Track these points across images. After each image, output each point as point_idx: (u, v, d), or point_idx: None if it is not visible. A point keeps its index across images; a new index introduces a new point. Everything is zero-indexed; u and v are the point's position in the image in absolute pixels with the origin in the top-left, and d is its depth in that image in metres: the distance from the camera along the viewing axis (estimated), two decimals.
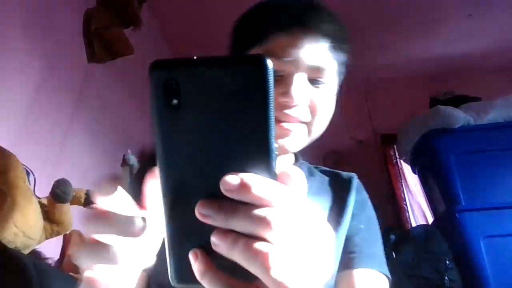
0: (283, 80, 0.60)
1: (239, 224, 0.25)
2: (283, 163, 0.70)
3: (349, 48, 0.70)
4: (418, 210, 2.78)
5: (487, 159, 2.06)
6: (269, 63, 0.25)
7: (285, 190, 0.26)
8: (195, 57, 0.27)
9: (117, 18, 1.94)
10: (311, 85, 0.63)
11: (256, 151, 0.26)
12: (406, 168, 2.85)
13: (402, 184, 2.87)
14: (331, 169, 0.76)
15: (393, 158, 3.00)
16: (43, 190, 1.14)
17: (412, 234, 1.95)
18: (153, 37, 2.59)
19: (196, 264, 0.27)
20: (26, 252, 1.01)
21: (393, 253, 1.89)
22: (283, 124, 0.61)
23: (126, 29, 2.00)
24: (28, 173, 1.10)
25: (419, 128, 2.30)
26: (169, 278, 0.29)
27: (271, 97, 0.25)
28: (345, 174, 0.74)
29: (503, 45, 2.86)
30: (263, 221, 0.24)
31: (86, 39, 1.77)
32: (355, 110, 3.26)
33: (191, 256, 0.27)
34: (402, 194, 2.82)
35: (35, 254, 1.06)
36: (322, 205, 0.66)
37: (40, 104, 1.45)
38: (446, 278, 1.76)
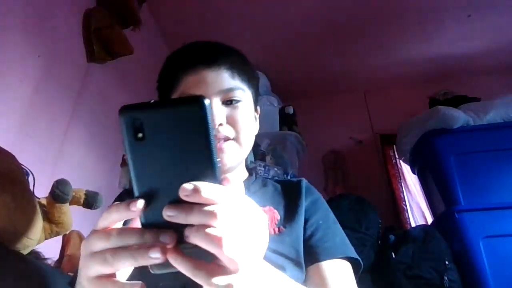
0: None
1: (195, 219, 0.35)
2: (238, 178, 0.80)
3: (250, 71, 0.82)
4: (418, 210, 2.78)
5: (487, 159, 2.06)
6: (205, 100, 0.36)
7: (225, 191, 0.37)
8: (152, 101, 0.37)
9: (117, 18, 1.94)
10: (226, 105, 0.75)
11: (204, 165, 0.37)
12: (406, 168, 2.85)
13: (401, 184, 2.87)
14: (283, 179, 0.86)
15: (393, 158, 3.00)
16: (43, 190, 1.13)
17: (411, 234, 1.95)
18: (153, 37, 2.59)
19: (170, 253, 0.36)
20: (25, 252, 1.01)
21: (392, 253, 1.89)
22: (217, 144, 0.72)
23: (125, 29, 2.00)
24: (27, 173, 1.10)
25: (418, 128, 2.30)
26: (149, 268, 0.38)
27: (209, 126, 0.36)
28: (294, 179, 0.85)
29: (503, 46, 2.86)
30: (212, 214, 0.35)
31: (85, 39, 1.77)
32: (355, 110, 3.27)
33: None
34: (402, 194, 2.82)
35: (35, 254, 1.06)
36: (277, 207, 0.75)
37: (40, 104, 1.45)
38: (446, 278, 1.76)
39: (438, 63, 3.03)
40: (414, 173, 2.62)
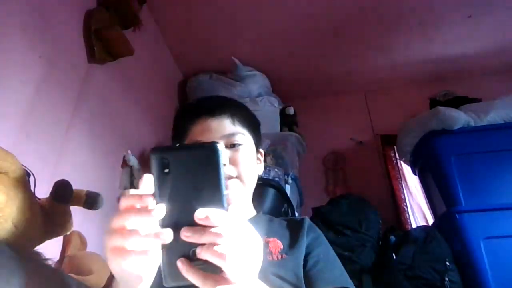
0: None
1: (206, 239, 0.44)
2: (244, 215, 0.90)
3: (250, 117, 0.94)
4: (418, 211, 2.77)
5: (487, 160, 2.06)
6: (219, 145, 0.47)
7: (229, 216, 0.45)
8: (178, 145, 0.49)
9: (117, 19, 1.94)
10: (229, 149, 0.85)
11: (214, 195, 0.46)
12: (406, 169, 2.85)
13: (402, 185, 2.87)
14: (288, 217, 1.01)
15: (393, 159, 2.99)
16: (43, 191, 1.13)
17: (412, 235, 1.95)
18: (153, 38, 2.59)
19: (183, 267, 0.44)
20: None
21: (393, 254, 1.88)
22: None
23: (126, 30, 2.01)
24: (28, 174, 1.10)
25: (419, 129, 2.30)
26: (163, 281, 0.46)
27: (220, 165, 0.46)
28: (298, 218, 0.94)
29: (503, 46, 2.86)
30: (218, 235, 0.44)
31: (86, 39, 1.77)
32: (355, 111, 3.27)
33: (179, 263, 0.44)
34: (402, 195, 2.81)
35: (36, 255, 1.06)
36: (281, 239, 0.83)
37: (40, 105, 1.45)
38: (446, 279, 1.76)
39: (438, 64, 3.03)
40: (414, 173, 2.62)
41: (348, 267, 1.96)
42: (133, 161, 2.03)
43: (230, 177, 0.83)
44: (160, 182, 0.46)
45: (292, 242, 0.83)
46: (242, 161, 0.85)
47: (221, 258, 0.43)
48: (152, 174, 0.46)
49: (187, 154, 0.47)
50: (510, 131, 2.14)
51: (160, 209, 0.44)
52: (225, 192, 0.46)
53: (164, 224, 0.45)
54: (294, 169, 2.45)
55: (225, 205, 0.46)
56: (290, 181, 2.17)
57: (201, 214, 0.44)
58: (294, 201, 2.18)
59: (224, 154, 0.79)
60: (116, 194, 1.97)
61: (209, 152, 0.46)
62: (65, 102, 1.62)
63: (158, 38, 2.67)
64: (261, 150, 0.97)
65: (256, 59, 2.88)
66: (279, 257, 0.78)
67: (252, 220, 0.85)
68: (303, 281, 0.76)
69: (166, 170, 0.46)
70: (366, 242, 1.96)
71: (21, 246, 0.98)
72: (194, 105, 0.94)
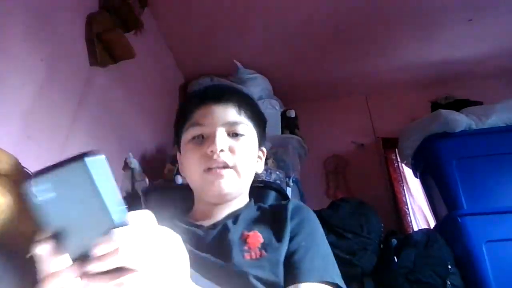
0: (207, 138, 0.83)
1: (107, 265, 0.40)
2: (235, 206, 0.88)
3: (257, 112, 0.92)
4: (420, 214, 2.76)
5: (489, 163, 2.06)
6: (87, 159, 0.40)
7: (122, 233, 0.40)
8: (45, 167, 0.41)
9: (119, 22, 1.95)
10: (230, 137, 0.84)
11: (101, 214, 0.40)
12: (408, 172, 2.84)
13: (403, 188, 2.86)
14: (276, 203, 0.95)
15: (395, 162, 2.99)
16: None
17: (413, 239, 1.94)
18: (155, 41, 2.60)
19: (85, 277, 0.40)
20: (28, 255, 1.01)
21: (395, 258, 1.88)
22: (215, 170, 0.80)
23: (127, 33, 2.01)
24: (29, 176, 1.10)
25: (420, 132, 2.30)
26: None
27: (94, 180, 0.40)
28: (284, 202, 0.88)
29: (504, 49, 2.86)
30: (118, 259, 0.40)
31: (88, 42, 1.78)
32: (357, 114, 3.27)
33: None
34: (404, 198, 2.81)
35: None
36: (262, 231, 0.78)
37: (42, 107, 1.46)
38: (448, 282, 1.75)
39: (439, 67, 3.03)
40: (416, 176, 2.61)
41: (349, 270, 1.97)
42: (135, 163, 2.03)
43: (226, 166, 0.81)
44: (44, 209, 0.40)
45: (275, 233, 0.77)
46: (241, 151, 0.83)
47: (114, 261, 0.40)
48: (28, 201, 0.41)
49: (57, 176, 0.40)
50: (511, 134, 2.13)
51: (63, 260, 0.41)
52: (114, 204, 0.41)
53: (71, 257, 0.41)
54: (295, 172, 2.45)
55: (116, 218, 0.41)
56: (291, 184, 2.16)
57: (97, 251, 0.40)
58: None
59: (222, 138, 0.81)
60: None
61: (77, 165, 0.40)
62: (66, 104, 1.63)
63: (160, 41, 2.68)
64: (263, 149, 0.95)
65: (258, 62, 2.88)
66: (258, 254, 0.73)
67: (240, 212, 0.85)
68: (283, 279, 0.71)
69: (41, 199, 0.40)
70: (367, 245, 1.95)
71: (21, 248, 0.98)
72: (202, 90, 0.92)
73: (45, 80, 1.48)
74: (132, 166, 2.02)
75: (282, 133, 2.75)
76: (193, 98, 0.90)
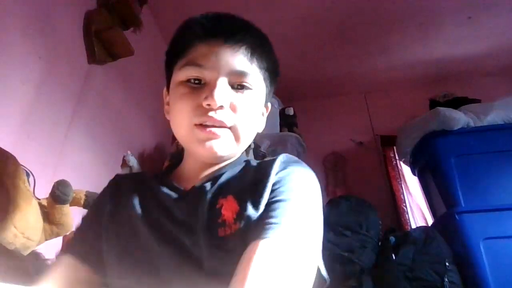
0: (205, 85, 0.66)
1: None
2: (223, 164, 0.73)
3: (272, 60, 0.75)
4: (418, 212, 2.77)
5: (487, 161, 2.06)
6: None
7: None
8: None
9: (118, 20, 1.95)
10: (234, 90, 0.66)
11: None
12: (406, 170, 2.85)
13: (401, 186, 2.87)
14: (269, 158, 0.73)
15: (393, 159, 3.00)
16: (43, 191, 1.14)
17: (411, 236, 1.95)
18: (153, 39, 2.60)
19: None
20: (25, 253, 1.01)
21: (393, 255, 1.88)
22: (210, 128, 0.64)
23: (126, 31, 2.01)
24: (28, 174, 1.10)
25: (419, 130, 2.30)
26: None
27: None
28: (268, 159, 0.72)
29: (503, 47, 2.87)
30: None
31: (86, 40, 1.77)
32: (355, 112, 3.27)
33: None
34: (402, 195, 2.82)
35: (35, 255, 1.06)
36: (241, 195, 0.62)
37: (40, 105, 1.46)
38: (446, 280, 1.76)
39: (438, 65, 3.03)
40: (414, 174, 2.62)
41: (348, 268, 1.97)
42: (133, 161, 2.04)
43: (223, 126, 0.65)
44: None
45: (253, 196, 0.61)
46: (244, 109, 0.66)
47: None
48: None
49: None
50: (509, 132, 2.14)
51: None
52: None
53: None
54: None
55: None
56: None
57: None
58: None
59: (223, 92, 0.64)
60: None
61: None
62: (65, 102, 1.63)
63: (159, 39, 2.68)
64: (269, 104, 0.80)
65: None
66: (231, 229, 0.58)
67: (219, 172, 0.70)
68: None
69: None
70: (366, 243, 1.96)
71: (20, 247, 0.98)
72: (210, 18, 0.72)
73: (43, 78, 1.48)
74: (131, 164, 2.02)
75: (281, 130, 2.75)
76: (196, 27, 0.70)
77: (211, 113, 0.63)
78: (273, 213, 0.57)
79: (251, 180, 0.66)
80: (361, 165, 3.01)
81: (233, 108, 0.66)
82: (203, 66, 0.66)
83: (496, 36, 2.75)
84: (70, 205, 1.15)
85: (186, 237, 0.60)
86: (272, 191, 0.62)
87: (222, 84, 0.64)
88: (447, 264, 1.80)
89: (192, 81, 0.67)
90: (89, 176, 1.73)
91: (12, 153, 1.03)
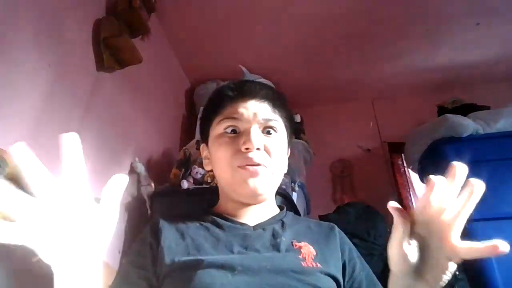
0: (241, 134, 0.82)
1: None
2: (271, 212, 0.89)
3: (289, 112, 0.91)
4: None
5: (497, 168, 2.03)
6: None
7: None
8: None
9: (126, 27, 1.96)
10: (264, 134, 0.83)
11: None
12: (414, 177, 2.82)
13: (410, 193, 2.84)
14: (323, 222, 0.92)
15: (401, 166, 2.97)
16: None
17: None
18: (161, 46, 2.62)
19: None
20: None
21: None
22: (249, 167, 0.79)
23: (134, 38, 2.03)
24: None
25: (427, 136, 2.29)
26: None
27: None
28: (326, 223, 0.91)
29: (511, 53, 2.84)
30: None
31: (95, 48, 1.79)
32: (363, 119, 3.26)
33: None
34: (410, 203, 2.79)
35: (38, 257, 1.07)
36: (312, 244, 0.80)
37: (49, 112, 1.47)
38: None
39: (446, 71, 3.02)
40: (422, 181, 2.59)
41: None
42: (140, 168, 2.04)
43: (261, 164, 0.80)
44: None
45: (325, 251, 0.80)
46: (275, 150, 0.82)
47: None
48: None
49: None
50: None
51: None
52: None
53: None
54: (301, 176, 2.44)
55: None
56: (297, 188, 2.16)
57: None
58: (301, 209, 2.17)
59: (258, 137, 0.80)
60: (123, 201, 1.98)
61: None
62: (73, 109, 1.64)
63: (166, 46, 2.70)
64: (289, 150, 0.95)
65: (263, 67, 2.89)
66: (314, 265, 0.75)
67: (279, 218, 0.86)
68: None
69: None
70: (374, 251, 1.94)
71: (20, 249, 0.98)
72: (238, 84, 0.89)
73: (52, 85, 1.49)
74: (138, 170, 2.03)
75: None
76: (227, 91, 0.87)
77: (250, 155, 0.78)
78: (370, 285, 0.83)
79: (317, 238, 0.84)
80: (369, 172, 2.99)
81: (267, 150, 0.81)
82: (237, 119, 0.82)
83: (505, 42, 2.73)
84: None
85: (283, 263, 0.75)
86: (346, 257, 0.84)
87: (256, 130, 0.81)
88: (457, 273, 1.78)
89: (229, 131, 0.83)
90: (96, 182, 1.73)
91: None
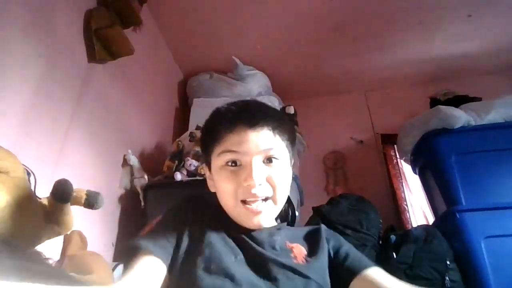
0: (242, 167, 0.80)
1: None
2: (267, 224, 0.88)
3: (288, 129, 0.88)
4: (419, 210, 2.77)
5: (488, 159, 2.06)
6: None
7: None
8: None
9: (117, 18, 1.94)
10: (266, 164, 0.81)
11: None
12: (407, 168, 2.85)
13: (402, 184, 2.87)
14: (311, 227, 0.95)
15: (394, 158, 2.99)
16: (44, 191, 1.13)
17: (412, 234, 1.95)
18: (153, 37, 2.59)
19: None
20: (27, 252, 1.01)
21: (394, 254, 1.88)
22: (253, 205, 0.79)
23: (126, 29, 2.01)
24: (28, 174, 1.10)
25: (419, 128, 2.30)
26: None
27: None
28: (313, 226, 0.94)
29: (503, 45, 2.86)
30: None
31: (86, 39, 1.77)
32: (356, 110, 3.27)
33: None
34: (403, 194, 2.81)
35: (36, 254, 1.06)
36: (303, 245, 0.85)
37: (41, 104, 1.46)
38: (447, 278, 1.76)
39: (438, 63, 3.03)
40: (415, 173, 2.62)
41: None
42: (133, 160, 2.03)
43: (266, 198, 0.80)
44: None
45: (314, 249, 0.85)
46: (278, 179, 0.81)
47: None
48: None
49: None
50: (510, 130, 2.14)
51: None
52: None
53: None
54: (294, 168, 2.45)
55: None
56: None
57: None
58: (295, 201, 2.17)
59: (260, 171, 0.79)
60: (116, 193, 1.97)
61: None
62: (65, 101, 1.62)
63: (159, 38, 2.67)
64: (292, 160, 0.93)
65: (257, 58, 2.88)
66: (304, 261, 0.80)
67: (274, 229, 0.87)
68: (329, 284, 0.79)
69: None
70: (366, 241, 1.96)
71: (21, 246, 0.98)
72: (234, 111, 0.85)
73: (43, 76, 1.48)
74: (131, 163, 2.02)
75: None
76: (224, 120, 0.84)
77: (253, 190, 0.78)
78: (356, 256, 0.85)
79: (306, 239, 0.89)
80: (362, 163, 3.01)
81: (269, 181, 0.80)
82: (237, 152, 0.80)
83: (497, 34, 2.74)
84: (71, 204, 1.15)
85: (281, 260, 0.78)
86: (334, 248, 0.88)
87: (256, 164, 0.79)
88: (448, 262, 1.80)
89: (230, 163, 0.81)
90: (89, 174, 1.73)
91: (13, 152, 1.03)
